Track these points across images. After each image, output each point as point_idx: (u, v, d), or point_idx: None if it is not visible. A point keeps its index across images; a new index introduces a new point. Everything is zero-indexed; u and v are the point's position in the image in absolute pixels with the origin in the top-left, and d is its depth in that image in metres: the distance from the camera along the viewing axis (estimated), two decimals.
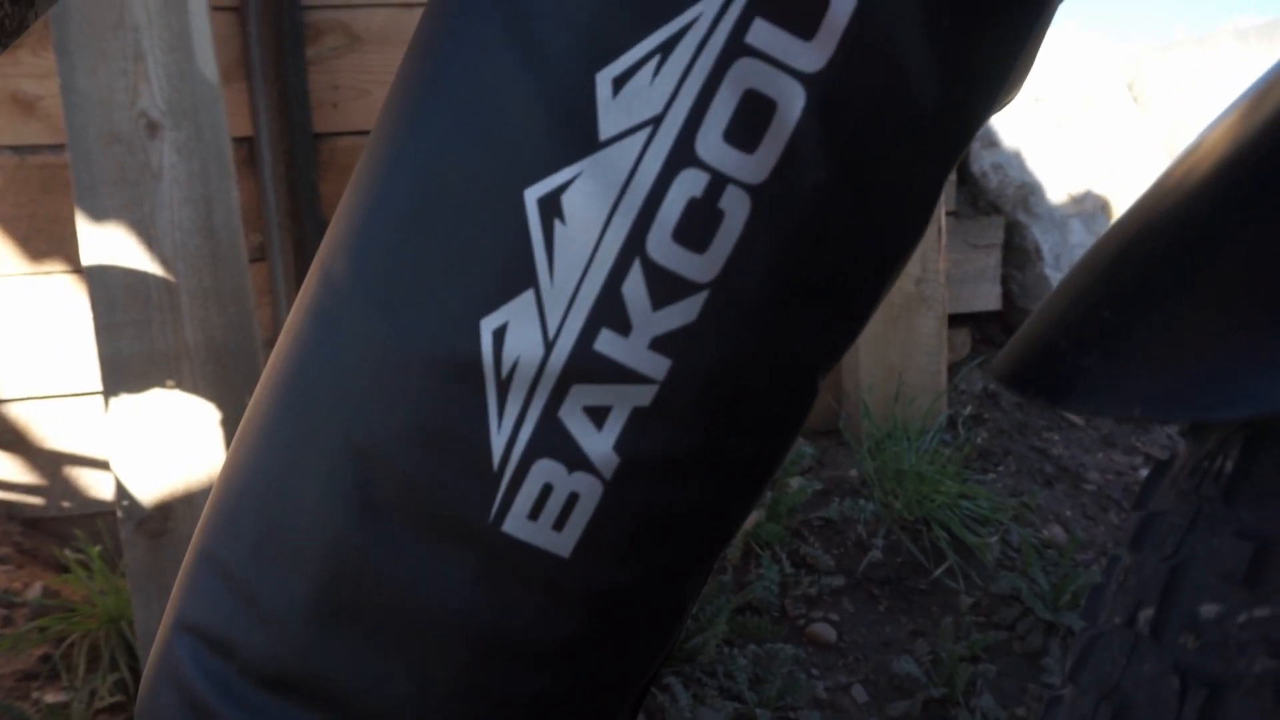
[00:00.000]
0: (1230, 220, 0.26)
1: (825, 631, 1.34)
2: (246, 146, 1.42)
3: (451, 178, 0.31)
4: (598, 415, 0.31)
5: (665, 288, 0.30)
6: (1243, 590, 0.25)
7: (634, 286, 0.30)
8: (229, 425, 1.16)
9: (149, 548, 1.11)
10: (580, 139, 0.30)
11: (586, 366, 0.31)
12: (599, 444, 0.31)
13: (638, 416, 0.31)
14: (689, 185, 0.30)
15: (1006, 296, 1.79)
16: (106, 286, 1.11)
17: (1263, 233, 0.25)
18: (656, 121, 0.29)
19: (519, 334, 0.31)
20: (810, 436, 1.70)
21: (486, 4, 0.31)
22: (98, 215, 1.12)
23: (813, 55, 0.29)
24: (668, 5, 0.29)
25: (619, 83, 0.29)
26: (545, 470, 0.32)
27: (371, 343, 0.32)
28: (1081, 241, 1.72)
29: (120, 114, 1.12)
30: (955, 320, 1.78)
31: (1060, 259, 1.71)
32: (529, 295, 0.31)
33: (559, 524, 0.32)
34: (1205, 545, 0.27)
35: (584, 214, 0.30)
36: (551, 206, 0.30)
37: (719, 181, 0.30)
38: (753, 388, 0.32)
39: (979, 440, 1.66)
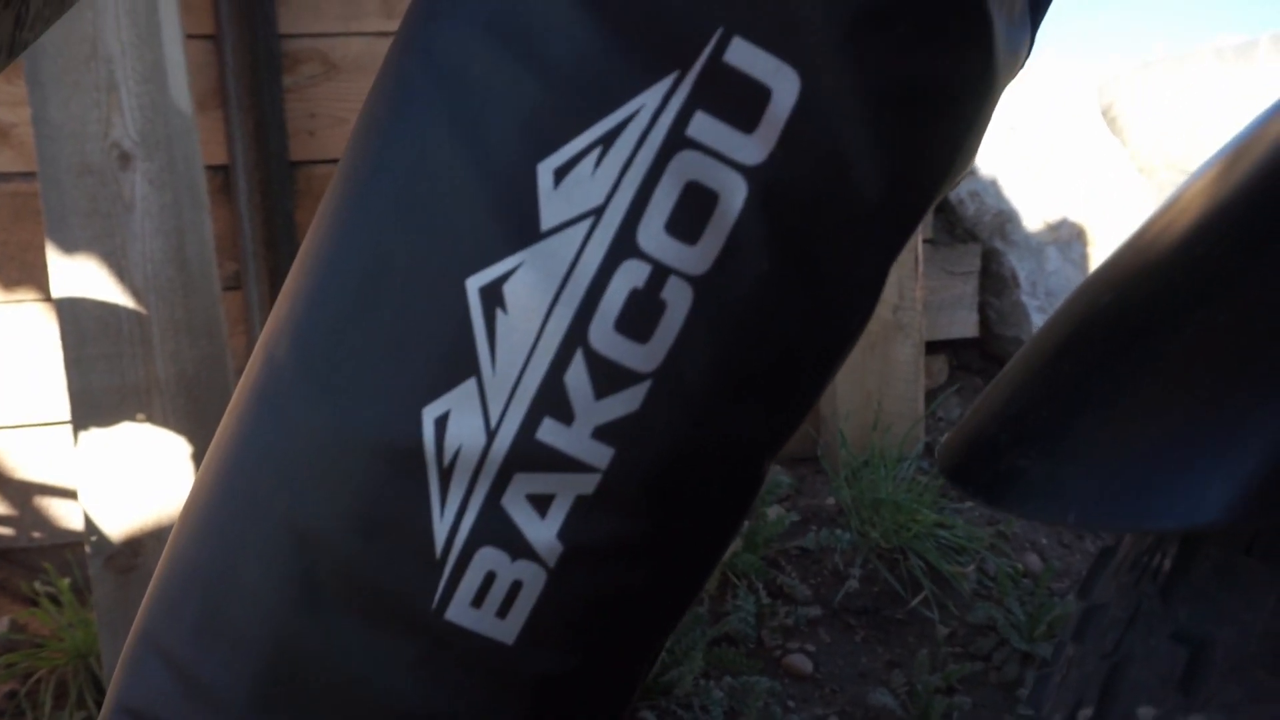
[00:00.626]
0: (1167, 322, 0.26)
1: (801, 663, 1.34)
2: (222, 175, 1.41)
3: (394, 264, 0.31)
4: (541, 503, 0.31)
5: (608, 377, 0.30)
6: (1178, 694, 0.25)
7: (576, 376, 0.30)
8: (200, 459, 1.15)
9: (118, 583, 1.10)
10: (522, 229, 0.30)
11: (529, 455, 0.31)
12: (542, 532, 0.31)
13: (581, 504, 0.31)
14: (631, 276, 0.30)
15: (984, 323, 1.79)
16: (77, 319, 1.11)
17: (1198, 338, 0.25)
18: (598, 212, 0.29)
19: (461, 422, 0.30)
20: (788, 464, 1.70)
21: (430, 92, 0.31)
22: (69, 247, 1.11)
23: (754, 148, 0.29)
24: (609, 98, 0.29)
25: (560, 173, 0.29)
26: (488, 558, 0.31)
27: (313, 428, 0.32)
28: (1058, 269, 1.74)
29: (92, 145, 1.12)
30: (933, 347, 1.79)
31: (1037, 286, 1.72)
32: (471, 384, 0.30)
33: (502, 611, 0.32)
34: (1143, 644, 0.27)
35: (526, 304, 0.30)
36: (493, 296, 0.30)
37: (661, 272, 0.30)
38: (698, 475, 0.32)
39: None
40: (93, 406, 1.10)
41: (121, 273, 1.12)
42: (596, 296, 0.30)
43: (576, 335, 0.30)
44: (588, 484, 0.31)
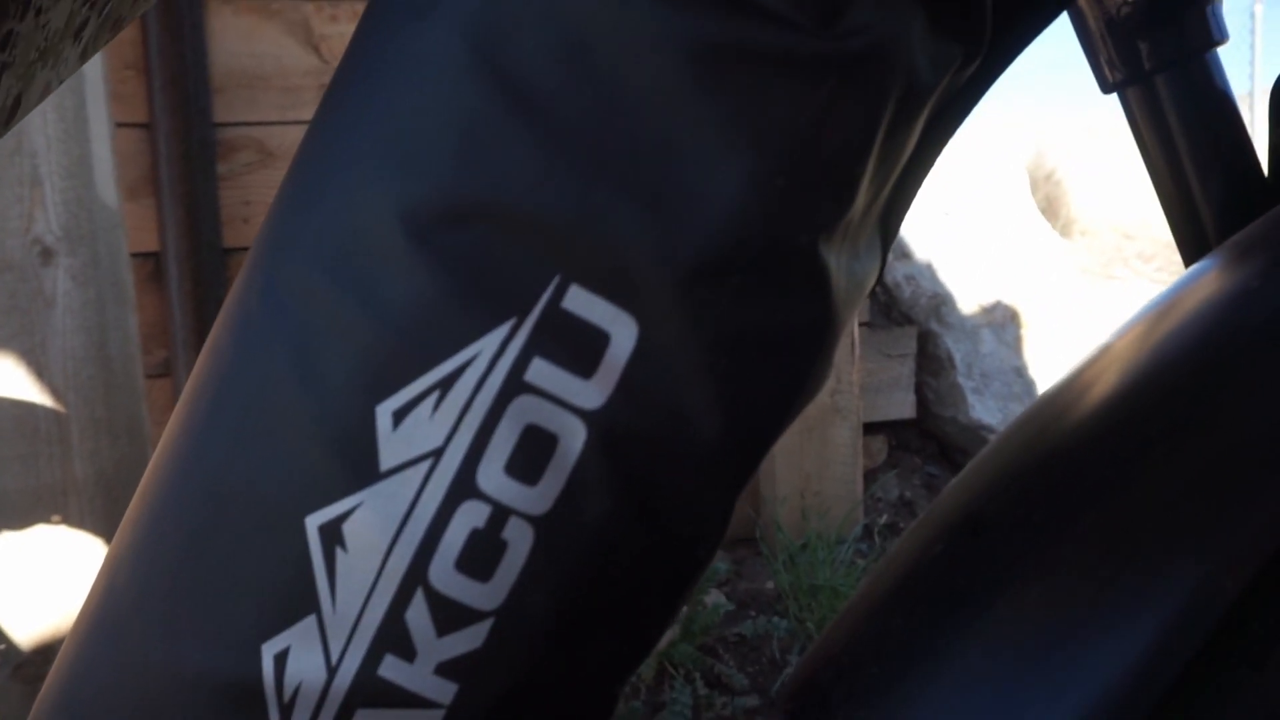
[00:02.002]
0: (985, 592, 0.26)
1: None
2: (153, 261, 1.40)
3: (234, 499, 0.31)
4: None
5: (449, 616, 0.30)
6: None
7: (417, 614, 0.30)
8: None
9: (25, 694, 1.06)
10: (361, 469, 0.29)
11: (371, 691, 0.30)
12: None
13: None
14: (471, 517, 0.29)
15: (921, 404, 1.82)
16: None
17: (1009, 616, 0.25)
18: (437, 454, 0.29)
19: (301, 659, 0.30)
20: (726, 546, 1.70)
21: (271, 327, 0.30)
22: None
23: (592, 393, 0.29)
24: (446, 343, 0.29)
25: (399, 415, 0.29)
26: None
27: (150, 662, 0.31)
28: (993, 351, 1.77)
29: (13, 240, 1.10)
30: (871, 428, 1.80)
31: (972, 368, 1.75)
32: (311, 621, 0.30)
33: None
34: None
35: (366, 543, 0.30)
36: (333, 535, 0.30)
37: (501, 513, 0.30)
38: (545, 707, 0.32)
39: None
40: (5, 508, 1.07)
41: (40, 370, 1.10)
42: (436, 536, 0.30)
43: (417, 574, 0.30)
44: (432, 719, 0.31)
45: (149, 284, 1.40)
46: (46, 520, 1.08)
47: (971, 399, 1.75)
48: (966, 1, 0.30)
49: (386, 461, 0.29)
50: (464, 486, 0.29)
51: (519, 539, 0.30)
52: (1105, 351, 0.32)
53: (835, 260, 0.31)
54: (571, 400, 0.29)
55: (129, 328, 1.14)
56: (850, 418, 1.64)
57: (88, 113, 1.15)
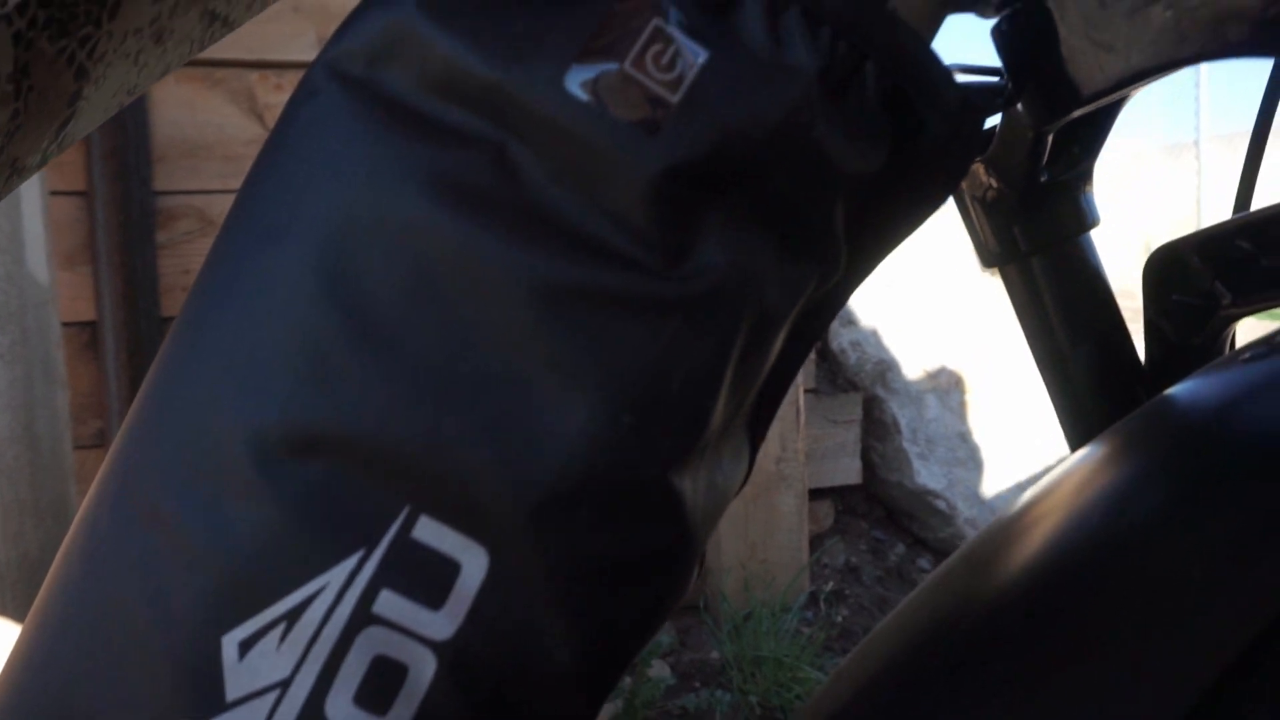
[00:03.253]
0: None
1: None
2: (89, 331, 1.38)
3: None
4: None
5: None
6: None
7: None
8: None
9: None
10: (206, 699, 0.29)
11: None
12: None
13: None
14: None
15: (868, 468, 1.82)
16: None
17: None
18: (284, 685, 0.29)
19: None
20: (671, 615, 1.69)
21: (116, 554, 0.30)
22: None
23: (442, 623, 0.29)
24: (292, 574, 0.29)
25: (245, 646, 0.29)
26: None
27: None
28: (937, 416, 1.78)
29: None
30: (818, 494, 1.81)
31: (917, 433, 1.76)
32: None
33: None
34: None
35: None
36: None
37: None
38: None
39: (839, 619, 1.67)
40: None
41: None
42: None
43: None
44: None
45: (84, 353, 1.38)
46: None
47: (917, 464, 1.76)
48: (816, 228, 0.31)
49: (233, 692, 0.29)
50: (311, 717, 0.29)
51: None
52: (962, 561, 0.33)
53: (691, 482, 0.31)
54: (421, 631, 0.29)
55: (58, 406, 1.12)
56: (795, 485, 1.65)
57: (19, 188, 1.13)
